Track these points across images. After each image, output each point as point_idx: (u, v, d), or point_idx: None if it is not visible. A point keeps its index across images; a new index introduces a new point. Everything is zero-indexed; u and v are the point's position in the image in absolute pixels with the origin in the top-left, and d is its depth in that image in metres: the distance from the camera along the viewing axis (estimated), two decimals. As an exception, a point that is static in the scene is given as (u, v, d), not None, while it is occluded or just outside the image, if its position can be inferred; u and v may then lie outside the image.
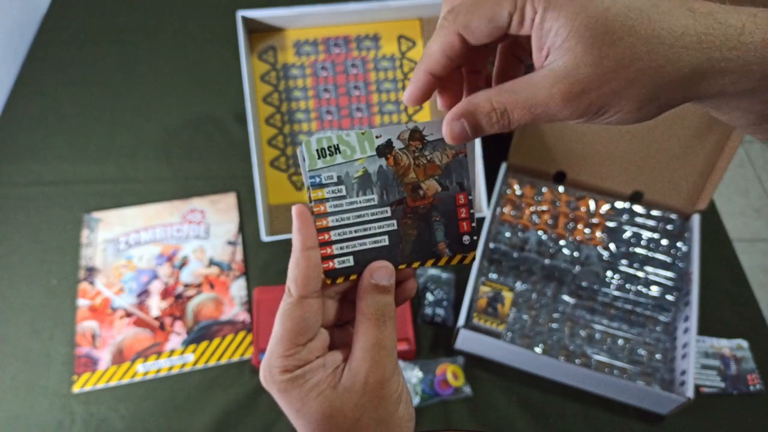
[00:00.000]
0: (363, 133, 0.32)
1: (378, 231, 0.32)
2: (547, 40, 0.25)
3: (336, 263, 0.32)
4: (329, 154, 0.31)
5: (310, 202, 0.31)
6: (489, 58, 0.32)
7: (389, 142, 0.32)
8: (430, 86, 0.30)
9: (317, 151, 0.31)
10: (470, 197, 0.33)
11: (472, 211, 0.33)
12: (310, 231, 0.31)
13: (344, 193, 0.32)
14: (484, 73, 0.32)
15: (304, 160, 0.31)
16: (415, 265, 0.33)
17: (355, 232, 0.32)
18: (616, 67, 0.24)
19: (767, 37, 0.23)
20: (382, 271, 0.31)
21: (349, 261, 0.32)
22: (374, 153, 0.32)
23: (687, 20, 0.24)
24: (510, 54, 0.31)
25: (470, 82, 0.32)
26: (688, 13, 0.24)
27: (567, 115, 0.25)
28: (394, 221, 0.32)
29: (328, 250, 0.32)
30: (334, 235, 0.32)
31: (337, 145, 0.31)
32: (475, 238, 0.34)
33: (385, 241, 0.32)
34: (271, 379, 0.30)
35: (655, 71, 0.24)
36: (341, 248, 0.32)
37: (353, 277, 0.32)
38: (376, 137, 0.32)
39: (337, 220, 0.32)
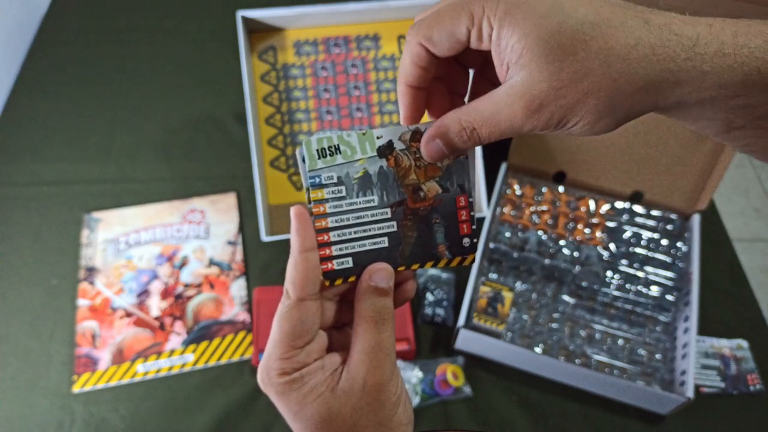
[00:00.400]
0: (364, 134, 0.31)
1: (378, 232, 0.32)
2: (504, 55, 0.26)
3: (335, 264, 0.32)
4: (329, 155, 0.31)
5: (309, 203, 0.31)
6: (467, 80, 0.33)
7: (390, 143, 0.32)
8: (415, 100, 0.31)
9: (317, 151, 0.31)
10: (471, 199, 0.33)
11: (472, 213, 0.33)
12: (308, 232, 0.31)
13: (344, 193, 0.31)
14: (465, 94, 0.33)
15: (303, 160, 0.31)
16: (414, 267, 0.33)
17: (355, 233, 0.32)
18: (570, 81, 0.24)
19: (722, 48, 0.23)
20: (380, 273, 0.31)
21: (348, 262, 0.32)
22: (375, 154, 0.32)
23: (641, 32, 0.24)
24: (484, 78, 0.32)
25: (453, 103, 0.33)
26: (643, 25, 0.24)
27: (531, 128, 0.26)
28: (394, 223, 0.32)
29: (327, 252, 0.31)
30: (333, 236, 0.32)
31: (338, 145, 0.31)
32: (475, 240, 0.33)
33: (384, 242, 0.32)
34: (269, 382, 0.30)
35: (609, 84, 0.24)
36: (340, 249, 0.32)
37: (352, 278, 0.32)
38: (377, 138, 0.31)
39: (336, 221, 0.32)
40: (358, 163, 0.31)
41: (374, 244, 0.32)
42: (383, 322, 0.31)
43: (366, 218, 0.32)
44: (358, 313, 0.31)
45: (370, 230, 0.32)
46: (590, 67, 0.24)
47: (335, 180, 0.31)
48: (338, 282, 0.32)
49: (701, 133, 0.27)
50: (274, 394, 0.30)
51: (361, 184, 0.32)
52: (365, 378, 0.30)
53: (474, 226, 0.33)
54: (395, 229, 0.32)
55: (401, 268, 0.33)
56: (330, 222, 0.32)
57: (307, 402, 0.29)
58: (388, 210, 0.32)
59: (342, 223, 0.32)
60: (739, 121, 0.25)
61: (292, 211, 0.31)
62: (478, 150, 0.80)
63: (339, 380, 0.30)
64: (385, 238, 0.32)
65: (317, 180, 0.31)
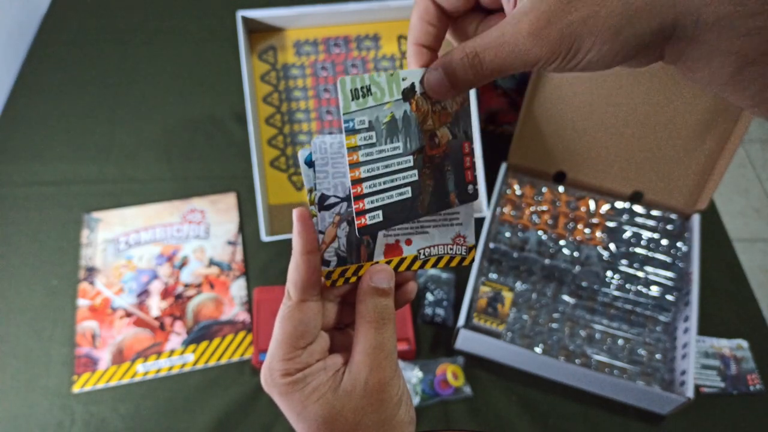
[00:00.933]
0: (392, 75, 0.30)
1: (402, 182, 0.31)
2: None
3: (367, 219, 0.30)
4: (362, 96, 0.29)
5: (311, 204, 0.31)
6: None
7: (413, 86, 0.30)
8: (423, 58, 0.30)
9: (351, 91, 0.29)
10: (472, 146, 0.33)
11: (474, 159, 0.33)
12: (310, 234, 0.31)
13: (374, 140, 0.30)
14: None
15: (306, 162, 0.31)
16: (416, 267, 0.33)
17: (384, 183, 0.30)
18: None
19: None
20: (381, 275, 0.31)
21: (379, 216, 0.30)
22: (400, 97, 0.30)
23: None
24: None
25: None
26: None
27: (538, 53, 0.24)
28: (416, 171, 0.31)
29: (361, 205, 0.30)
30: (366, 188, 0.30)
31: (369, 86, 0.29)
32: (476, 187, 0.33)
33: (408, 192, 0.31)
34: (272, 383, 0.30)
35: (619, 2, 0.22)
36: (372, 202, 0.30)
37: (353, 279, 0.32)
38: (402, 80, 0.30)
39: (368, 171, 0.30)
40: (386, 106, 0.30)
41: (400, 195, 0.31)
42: (384, 323, 0.31)
43: (393, 167, 0.31)
44: (359, 314, 0.31)
45: (396, 180, 0.31)
46: None
47: (367, 125, 0.30)
48: (339, 283, 0.32)
49: (711, 86, 0.25)
50: (277, 395, 0.30)
51: (389, 130, 0.30)
52: (367, 378, 0.30)
53: (476, 173, 0.33)
54: (416, 178, 0.31)
55: (402, 269, 0.32)
56: (362, 172, 0.30)
57: (309, 402, 0.30)
58: (411, 158, 0.31)
59: (373, 173, 0.30)
60: (753, 53, 0.23)
61: (294, 213, 0.31)
62: (478, 150, 0.80)
63: (341, 381, 0.30)
64: (409, 188, 0.31)
65: (351, 125, 0.29)
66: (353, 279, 0.32)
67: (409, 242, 0.33)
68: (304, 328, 0.30)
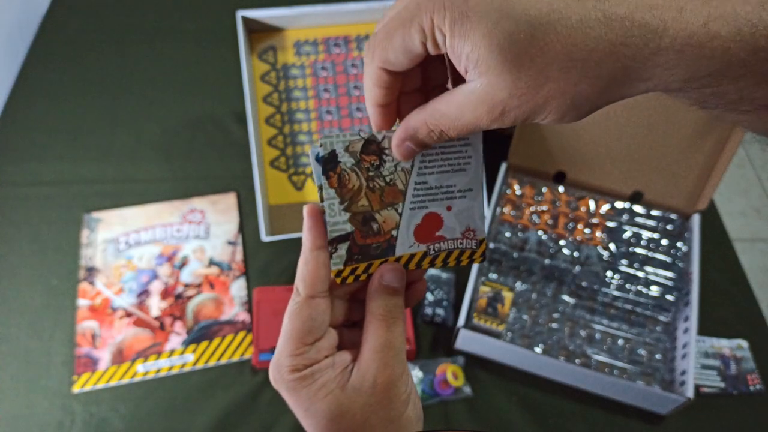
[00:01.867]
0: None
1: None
2: (461, 61, 0.25)
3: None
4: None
5: (322, 201, 0.31)
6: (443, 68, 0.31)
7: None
8: (386, 115, 0.30)
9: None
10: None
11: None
12: (319, 230, 0.31)
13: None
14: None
15: (316, 159, 0.30)
16: (426, 263, 0.32)
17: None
18: (530, 88, 0.23)
19: (690, 40, 0.21)
20: (392, 273, 0.31)
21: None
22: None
23: (600, 30, 0.22)
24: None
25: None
26: (602, 20, 0.22)
27: (499, 126, 0.26)
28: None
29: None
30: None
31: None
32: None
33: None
34: (280, 378, 0.30)
35: (570, 88, 0.23)
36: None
37: (363, 277, 0.32)
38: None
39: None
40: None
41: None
42: (394, 321, 0.31)
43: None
44: (369, 312, 0.31)
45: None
46: (549, 74, 0.23)
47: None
48: (349, 280, 0.32)
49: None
50: (285, 391, 0.31)
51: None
52: (375, 375, 0.30)
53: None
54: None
55: (412, 266, 0.32)
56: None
57: (317, 398, 0.30)
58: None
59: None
60: (711, 104, 0.24)
61: (305, 209, 0.31)
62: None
63: (349, 377, 0.30)
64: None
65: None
66: (363, 277, 0.32)
67: (449, 208, 0.31)
68: (313, 324, 0.30)
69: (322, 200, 0.30)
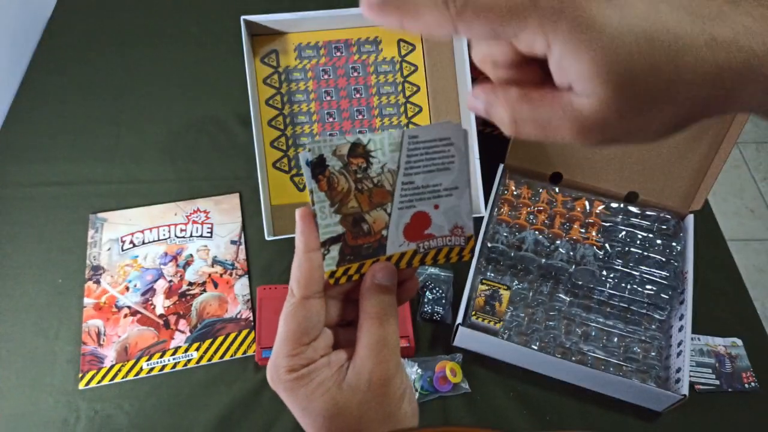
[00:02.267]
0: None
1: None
2: (566, 76, 0.23)
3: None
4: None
5: (313, 204, 0.31)
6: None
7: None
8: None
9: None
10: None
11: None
12: (312, 233, 0.31)
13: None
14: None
15: (306, 163, 0.31)
16: (416, 262, 0.33)
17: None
18: (636, 110, 0.23)
19: None
20: (384, 272, 0.32)
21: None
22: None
23: (706, 53, 0.22)
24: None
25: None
26: (710, 43, 0.22)
27: (572, 142, 0.25)
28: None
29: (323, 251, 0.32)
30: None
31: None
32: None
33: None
34: (278, 379, 0.31)
35: (675, 111, 0.23)
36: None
37: (356, 277, 0.32)
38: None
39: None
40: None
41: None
42: (387, 319, 0.31)
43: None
44: (362, 310, 0.32)
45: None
46: (656, 97, 0.22)
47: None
48: (342, 281, 0.32)
49: None
50: (283, 391, 0.31)
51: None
52: (371, 373, 0.30)
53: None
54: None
55: (403, 265, 0.33)
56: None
57: (314, 397, 0.30)
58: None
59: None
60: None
61: (297, 213, 0.31)
62: (475, 151, 0.81)
63: (345, 376, 0.31)
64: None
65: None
66: (356, 277, 0.32)
67: (437, 206, 0.31)
68: (308, 324, 0.31)
69: (313, 203, 0.31)
